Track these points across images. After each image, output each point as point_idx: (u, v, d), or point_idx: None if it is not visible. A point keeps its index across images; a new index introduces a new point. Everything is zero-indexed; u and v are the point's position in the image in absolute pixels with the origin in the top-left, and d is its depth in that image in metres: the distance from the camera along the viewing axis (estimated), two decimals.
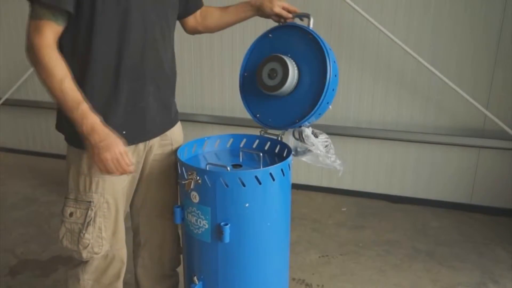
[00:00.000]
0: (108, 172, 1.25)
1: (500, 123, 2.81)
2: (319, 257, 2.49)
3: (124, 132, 1.32)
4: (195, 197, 1.34)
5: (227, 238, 1.31)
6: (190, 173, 1.31)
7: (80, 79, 1.24)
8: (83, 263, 1.42)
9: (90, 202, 1.33)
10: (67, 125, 1.28)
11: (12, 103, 4.11)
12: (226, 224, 1.30)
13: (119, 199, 1.39)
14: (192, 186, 1.31)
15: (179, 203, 1.50)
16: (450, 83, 2.81)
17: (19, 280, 2.25)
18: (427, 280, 2.27)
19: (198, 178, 1.29)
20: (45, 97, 4.03)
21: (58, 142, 4.05)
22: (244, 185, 1.29)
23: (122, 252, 1.48)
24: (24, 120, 4.23)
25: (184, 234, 1.48)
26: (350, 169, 3.28)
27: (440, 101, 2.98)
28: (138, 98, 1.34)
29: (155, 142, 1.48)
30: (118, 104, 1.31)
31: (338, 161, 1.48)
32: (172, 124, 1.54)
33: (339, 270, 2.36)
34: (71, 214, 1.34)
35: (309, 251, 2.55)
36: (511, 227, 2.83)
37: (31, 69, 3.90)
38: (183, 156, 1.48)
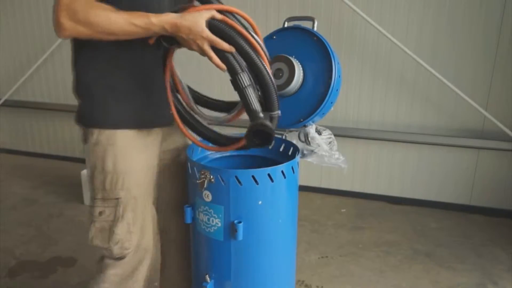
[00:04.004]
0: (216, 61, 1.22)
1: (499, 124, 2.82)
2: (319, 258, 2.49)
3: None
4: (207, 196, 1.35)
5: (240, 236, 1.32)
6: (203, 172, 1.32)
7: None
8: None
9: (118, 199, 1.33)
10: (88, 109, 1.29)
11: (11, 104, 4.10)
12: (240, 222, 1.32)
13: (146, 193, 1.39)
14: (205, 186, 1.32)
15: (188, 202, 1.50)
16: (450, 84, 2.82)
17: (18, 281, 2.25)
18: (426, 281, 2.28)
19: (211, 177, 1.31)
20: (44, 98, 4.04)
21: (57, 143, 4.05)
22: (257, 183, 1.31)
23: (150, 243, 1.45)
24: (23, 121, 4.22)
25: (195, 234, 1.48)
26: (350, 170, 3.29)
27: (440, 102, 2.98)
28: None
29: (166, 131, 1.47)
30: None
31: (342, 158, 1.49)
32: None
33: (338, 271, 2.36)
34: (100, 213, 1.34)
35: (308, 252, 2.55)
36: (510, 228, 2.84)
37: (30, 70, 3.91)
38: (192, 156, 1.49)
